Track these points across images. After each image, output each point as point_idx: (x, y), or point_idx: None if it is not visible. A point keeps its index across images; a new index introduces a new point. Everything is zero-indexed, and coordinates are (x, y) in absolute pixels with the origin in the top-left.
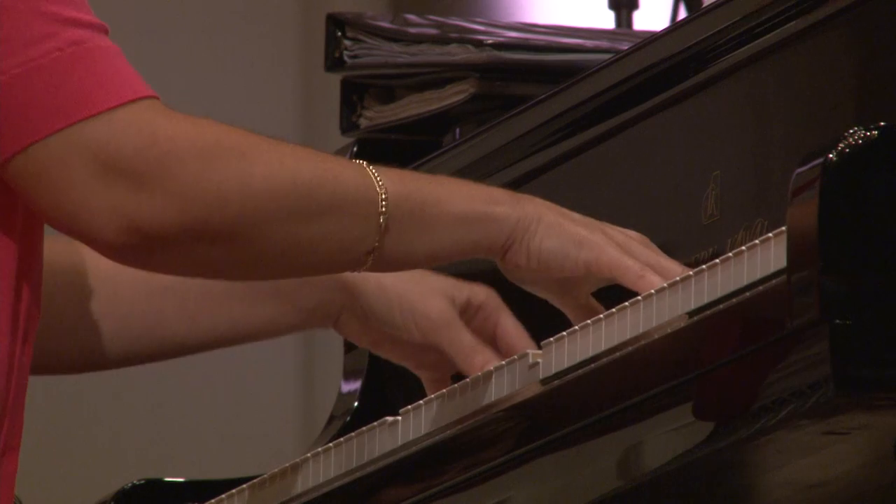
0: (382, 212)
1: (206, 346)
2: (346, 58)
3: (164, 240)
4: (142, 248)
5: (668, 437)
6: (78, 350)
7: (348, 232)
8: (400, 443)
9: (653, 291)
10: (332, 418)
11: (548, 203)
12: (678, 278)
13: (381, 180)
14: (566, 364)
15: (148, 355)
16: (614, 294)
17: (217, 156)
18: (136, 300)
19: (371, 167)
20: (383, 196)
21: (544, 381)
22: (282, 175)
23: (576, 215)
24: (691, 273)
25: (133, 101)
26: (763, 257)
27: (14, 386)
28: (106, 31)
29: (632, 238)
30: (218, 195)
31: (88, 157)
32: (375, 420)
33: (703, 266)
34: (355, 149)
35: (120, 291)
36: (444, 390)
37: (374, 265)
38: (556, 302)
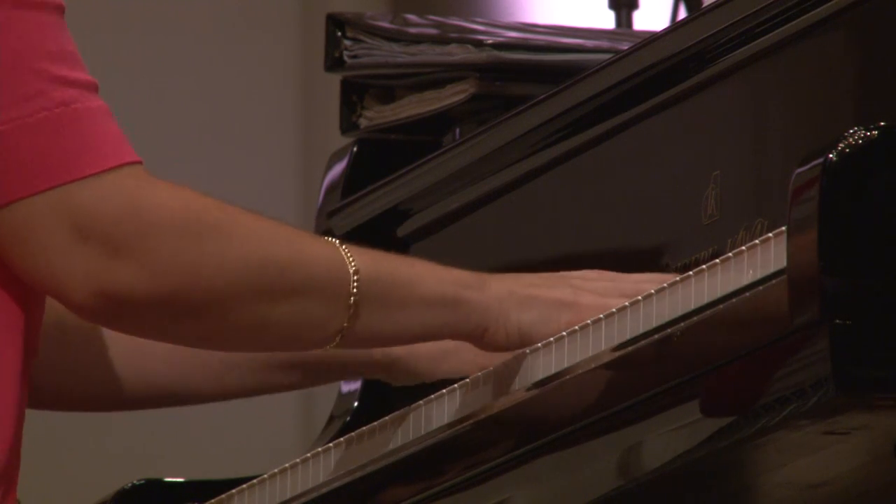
0: (353, 293)
1: (227, 398)
2: (346, 58)
3: (134, 308)
4: (111, 313)
5: (668, 437)
6: (92, 394)
7: (318, 312)
8: (401, 442)
9: (652, 292)
10: (332, 418)
11: (513, 276)
12: (678, 278)
13: (353, 261)
14: (566, 363)
15: (168, 403)
16: None
17: (195, 232)
18: (162, 359)
19: (344, 246)
20: (355, 278)
21: (546, 380)
22: (257, 255)
23: (538, 279)
24: (691, 273)
25: (117, 167)
26: (763, 257)
27: (20, 430)
28: (96, 89)
29: (592, 279)
30: (192, 272)
31: (68, 220)
32: (375, 420)
33: (703, 266)
34: (355, 149)
35: (144, 347)
36: (444, 390)
37: (341, 343)
38: None
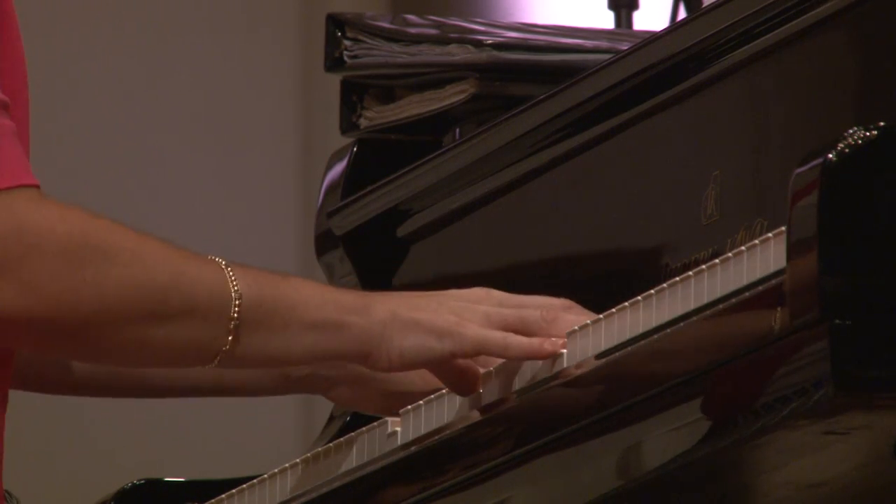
0: (234, 317)
1: (186, 394)
2: (346, 58)
3: (13, 326)
4: None
5: (668, 437)
6: (50, 378)
7: (199, 335)
8: (400, 443)
9: (652, 292)
10: (332, 418)
11: (399, 297)
12: (678, 278)
13: (236, 285)
14: (566, 363)
15: (128, 392)
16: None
17: (79, 256)
18: None
19: (230, 268)
20: (237, 302)
21: (546, 380)
22: (139, 279)
23: (424, 302)
24: (691, 273)
25: (10, 188)
26: (763, 257)
27: (2, 416)
28: (5, 107)
29: (478, 301)
30: (72, 295)
31: None
32: (375, 420)
33: (703, 266)
34: (355, 149)
35: None
36: (444, 390)
37: (221, 364)
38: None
